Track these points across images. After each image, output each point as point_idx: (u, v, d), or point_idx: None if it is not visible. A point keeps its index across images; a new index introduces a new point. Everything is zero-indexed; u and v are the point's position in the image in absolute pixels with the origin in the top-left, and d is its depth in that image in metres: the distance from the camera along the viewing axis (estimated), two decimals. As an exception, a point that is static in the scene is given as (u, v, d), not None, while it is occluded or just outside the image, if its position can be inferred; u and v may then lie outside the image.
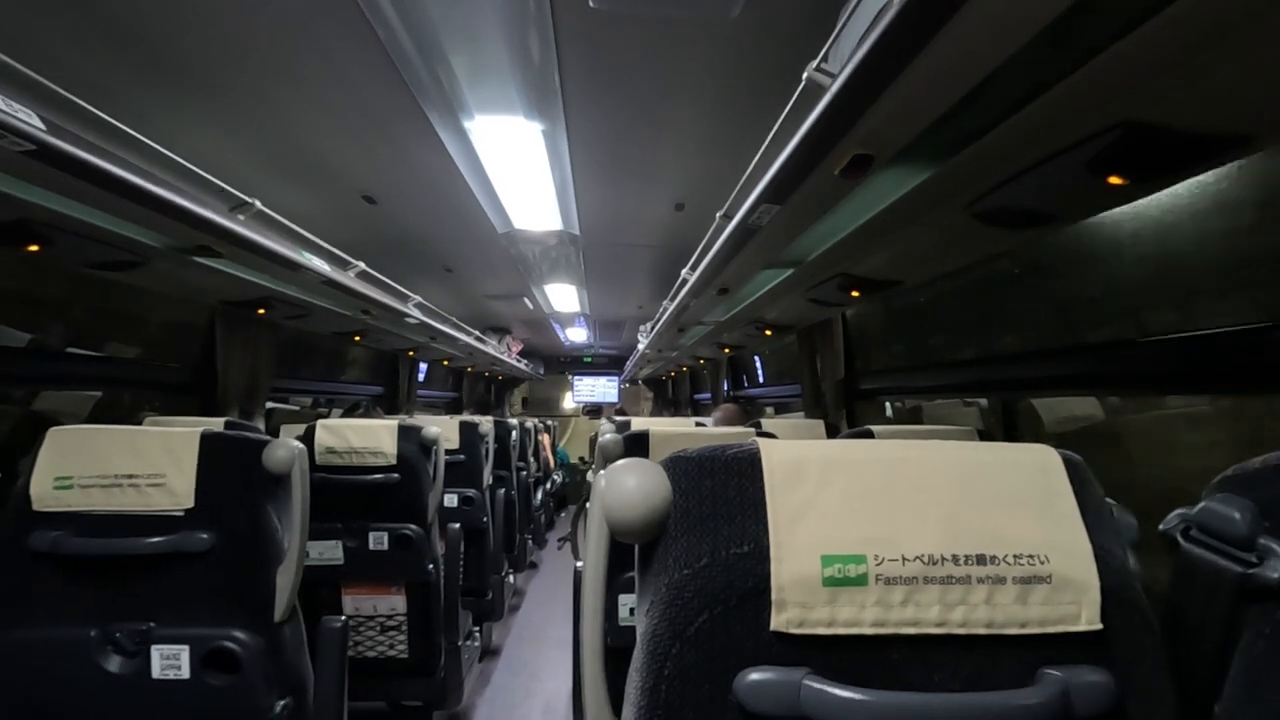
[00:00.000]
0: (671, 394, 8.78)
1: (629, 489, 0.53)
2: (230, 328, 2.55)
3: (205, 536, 1.10)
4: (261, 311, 2.50)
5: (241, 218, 1.62)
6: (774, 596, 0.48)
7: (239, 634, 1.10)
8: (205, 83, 1.74)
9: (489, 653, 3.35)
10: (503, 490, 3.55)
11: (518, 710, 2.72)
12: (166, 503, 1.10)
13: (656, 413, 9.63)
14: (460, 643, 2.33)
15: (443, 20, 1.46)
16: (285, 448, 1.16)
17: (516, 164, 2.34)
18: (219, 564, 1.12)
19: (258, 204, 1.64)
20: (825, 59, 0.94)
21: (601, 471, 0.56)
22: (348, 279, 2.33)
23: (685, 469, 0.54)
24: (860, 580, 0.48)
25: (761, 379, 4.95)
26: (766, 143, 1.20)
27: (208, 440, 1.13)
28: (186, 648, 1.10)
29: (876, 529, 0.50)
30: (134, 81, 1.70)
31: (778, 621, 0.48)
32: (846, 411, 2.79)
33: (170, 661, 1.09)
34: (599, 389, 10.61)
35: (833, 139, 0.93)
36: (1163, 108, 0.83)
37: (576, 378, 10.57)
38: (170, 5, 1.41)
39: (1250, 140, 0.88)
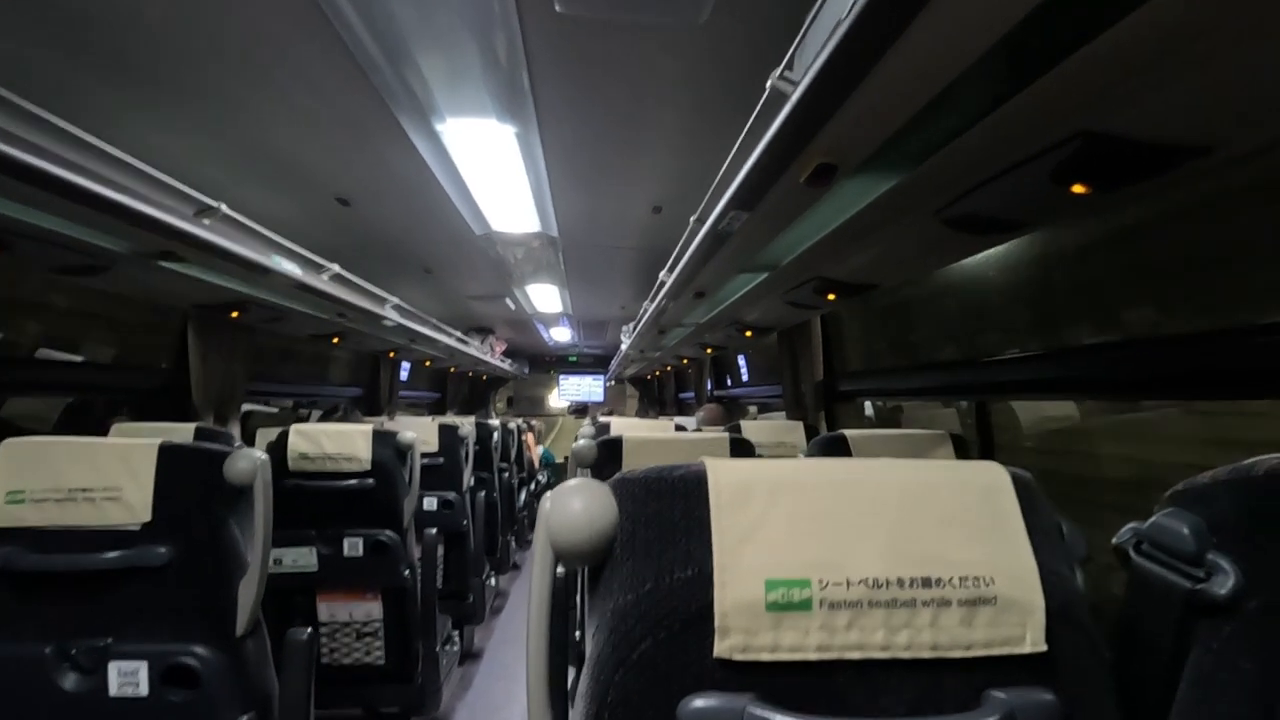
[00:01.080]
0: (657, 393, 8.79)
1: (574, 512, 0.52)
2: (203, 331, 2.52)
3: (163, 551, 1.08)
4: (235, 315, 2.47)
5: (207, 222, 1.59)
6: (717, 622, 0.47)
7: (199, 649, 1.08)
8: (167, 84, 1.70)
9: (470, 656, 3.32)
10: (484, 492, 3.53)
11: (498, 714, 2.71)
12: (123, 517, 1.07)
13: (642, 412, 9.65)
14: (439, 648, 2.31)
15: (406, 23, 1.44)
16: (247, 459, 1.13)
17: (491, 167, 2.32)
18: (178, 578, 1.09)
19: (224, 208, 1.61)
20: (790, 66, 0.93)
21: (547, 494, 0.55)
22: (321, 282, 2.30)
23: (632, 491, 0.53)
24: (804, 605, 0.48)
25: (745, 379, 4.96)
26: (734, 149, 1.20)
27: (166, 452, 1.10)
28: (145, 664, 1.07)
29: (821, 552, 0.49)
30: (92, 83, 1.66)
31: (721, 648, 0.47)
32: (825, 413, 2.80)
33: (128, 678, 1.07)
34: (584, 388, 10.61)
35: (796, 148, 0.93)
36: (1119, 118, 0.83)
37: (562, 377, 10.57)
38: (128, 4, 1.38)
39: (1206, 150, 0.88)
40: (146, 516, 1.08)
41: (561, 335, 7.84)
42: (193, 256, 1.65)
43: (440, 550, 2.96)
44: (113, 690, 1.07)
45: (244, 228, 1.77)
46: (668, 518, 0.51)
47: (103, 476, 1.08)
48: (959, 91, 0.76)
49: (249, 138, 2.02)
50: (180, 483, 1.10)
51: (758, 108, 1.04)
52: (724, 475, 0.52)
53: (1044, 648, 0.48)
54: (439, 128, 1.98)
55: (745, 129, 1.12)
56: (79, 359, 2.40)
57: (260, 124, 1.93)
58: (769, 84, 0.94)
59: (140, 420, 2.34)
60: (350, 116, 1.87)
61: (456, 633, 3.03)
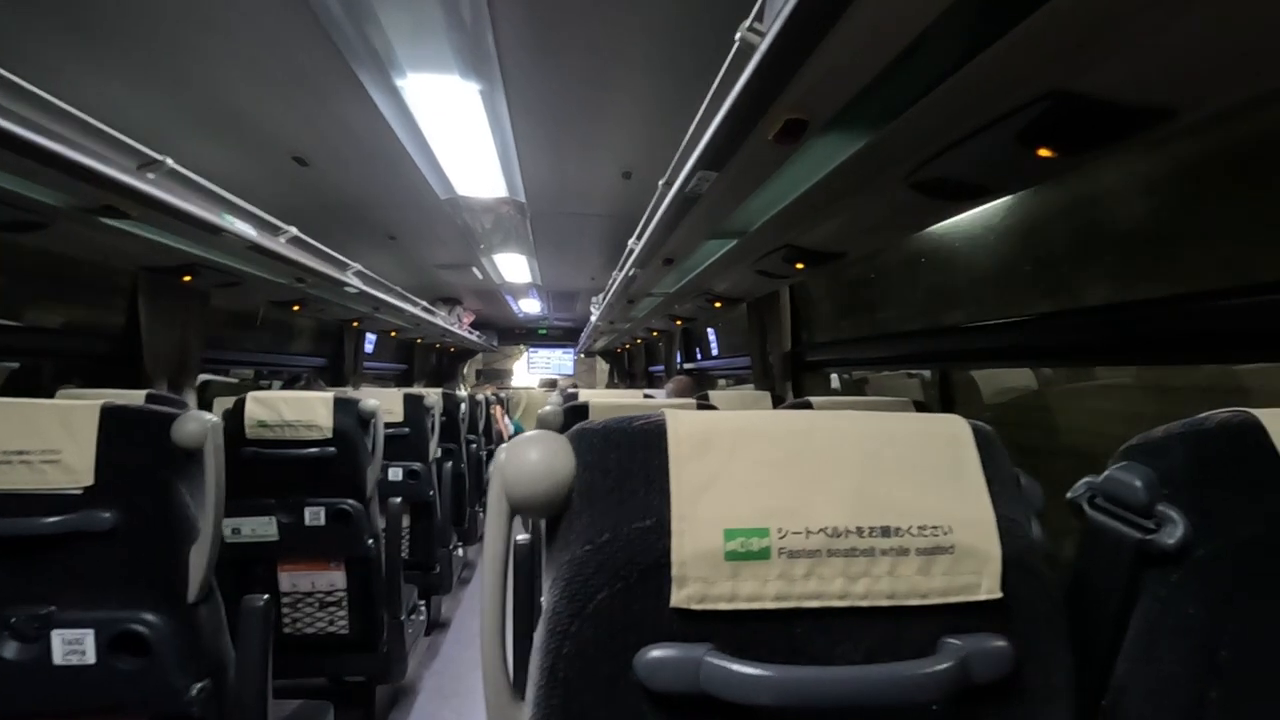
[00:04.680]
0: (627, 366, 8.79)
1: (531, 462, 0.50)
2: (154, 296, 2.41)
3: (108, 515, 1.03)
4: (187, 278, 2.37)
5: (152, 176, 1.51)
6: (674, 572, 0.46)
7: (148, 616, 1.05)
8: (110, 30, 1.60)
9: (437, 626, 3.32)
10: (450, 463, 3.50)
11: (464, 682, 2.72)
12: (63, 480, 1.03)
13: (612, 385, 9.64)
14: (404, 617, 2.30)
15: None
16: (196, 421, 1.09)
17: (455, 126, 2.24)
18: (124, 544, 1.05)
19: (169, 162, 1.52)
20: (759, 18, 0.91)
21: (503, 445, 0.53)
22: (278, 245, 2.22)
23: (591, 441, 0.52)
24: (763, 554, 0.47)
25: (715, 351, 4.97)
26: (703, 107, 1.17)
27: (108, 414, 1.05)
28: (91, 631, 1.04)
29: (781, 501, 0.48)
30: (26, 25, 1.55)
31: (678, 597, 0.46)
32: (793, 383, 2.83)
33: (73, 646, 1.03)
34: (554, 361, 10.56)
35: (765, 102, 0.91)
36: (1088, 78, 0.83)
37: (531, 350, 10.49)
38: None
39: (1172, 113, 0.89)
40: (89, 480, 1.03)
41: (531, 307, 7.76)
42: (137, 213, 1.57)
43: (406, 521, 2.94)
44: (57, 659, 1.03)
45: (192, 184, 1.68)
46: (627, 468, 0.50)
47: (41, 439, 1.03)
48: (931, 42, 0.74)
49: (198, 89, 1.92)
50: (125, 445, 1.06)
51: (726, 62, 1.01)
52: (684, 426, 0.51)
53: (999, 595, 0.49)
54: (399, 83, 1.91)
55: (714, 86, 1.09)
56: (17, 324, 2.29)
57: (210, 75, 1.83)
58: (738, 36, 0.91)
59: (89, 388, 2.26)
60: (305, 69, 1.78)
61: (423, 603, 3.02)
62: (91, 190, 1.39)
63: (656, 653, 0.46)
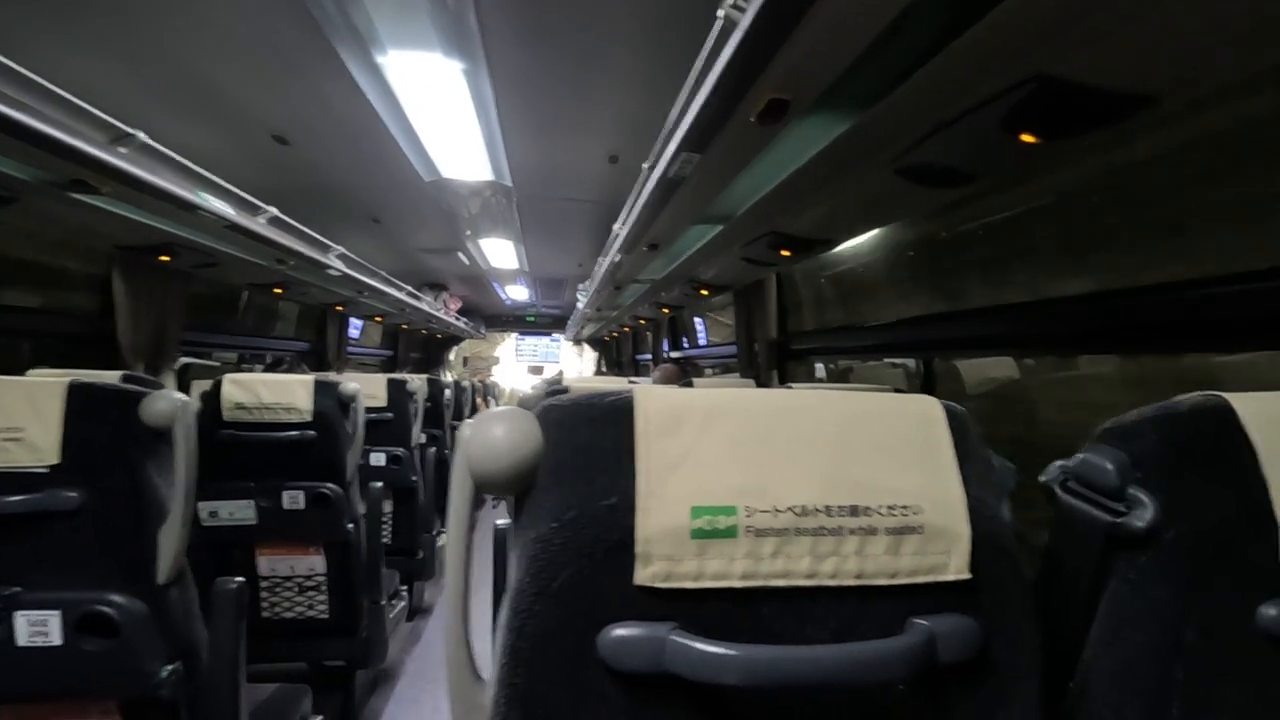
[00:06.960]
0: (615, 354, 8.78)
1: (495, 438, 0.49)
2: (129, 276, 2.37)
3: (74, 495, 1.01)
4: (165, 258, 2.33)
5: (124, 151, 1.47)
6: (639, 550, 0.46)
7: (116, 597, 1.02)
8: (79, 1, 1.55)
9: (420, 611, 3.32)
10: (434, 449, 3.48)
11: (445, 668, 2.71)
12: (27, 458, 1.00)
13: (600, 374, 9.63)
14: (385, 602, 2.29)
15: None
16: (166, 400, 1.06)
17: (438, 106, 2.20)
18: (92, 524, 1.03)
19: (142, 136, 1.48)
20: (742, -6, 0.89)
21: (467, 421, 0.52)
22: (257, 225, 2.18)
23: (558, 417, 0.51)
24: (730, 532, 0.46)
25: (703, 340, 4.97)
26: (687, 87, 1.15)
27: (76, 391, 1.03)
28: (57, 613, 1.02)
29: (750, 479, 0.48)
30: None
31: (643, 576, 0.46)
32: (778, 371, 2.83)
33: (38, 628, 1.01)
34: (542, 349, 10.53)
35: (747, 80, 0.89)
36: (1073, 62, 0.82)
37: (519, 337, 10.45)
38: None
39: (1155, 100, 0.88)
40: (54, 459, 1.01)
41: (519, 294, 7.71)
42: (108, 188, 1.53)
43: (389, 506, 2.92)
44: (21, 640, 1.01)
45: (167, 160, 1.64)
46: (596, 445, 0.49)
47: (4, 416, 1.00)
48: (914, 21, 0.73)
49: (171, 62, 1.86)
50: (92, 424, 1.03)
51: (709, 41, 0.99)
52: (653, 402, 0.50)
53: (968, 575, 0.48)
54: (380, 60, 1.87)
55: (698, 64, 1.07)
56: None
57: (183, 47, 1.78)
58: (720, 14, 0.90)
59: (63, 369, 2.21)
60: (283, 42, 1.74)
61: (405, 588, 3.00)
62: (60, 164, 1.36)
63: (620, 631, 0.45)
